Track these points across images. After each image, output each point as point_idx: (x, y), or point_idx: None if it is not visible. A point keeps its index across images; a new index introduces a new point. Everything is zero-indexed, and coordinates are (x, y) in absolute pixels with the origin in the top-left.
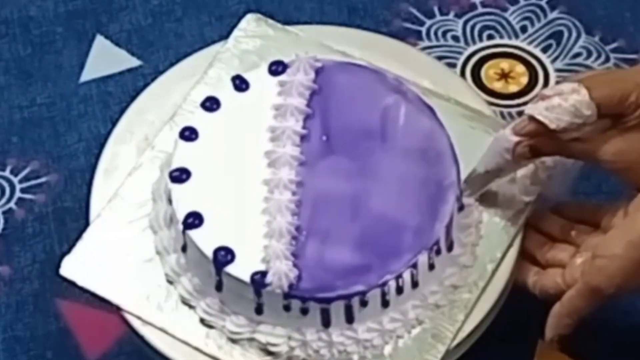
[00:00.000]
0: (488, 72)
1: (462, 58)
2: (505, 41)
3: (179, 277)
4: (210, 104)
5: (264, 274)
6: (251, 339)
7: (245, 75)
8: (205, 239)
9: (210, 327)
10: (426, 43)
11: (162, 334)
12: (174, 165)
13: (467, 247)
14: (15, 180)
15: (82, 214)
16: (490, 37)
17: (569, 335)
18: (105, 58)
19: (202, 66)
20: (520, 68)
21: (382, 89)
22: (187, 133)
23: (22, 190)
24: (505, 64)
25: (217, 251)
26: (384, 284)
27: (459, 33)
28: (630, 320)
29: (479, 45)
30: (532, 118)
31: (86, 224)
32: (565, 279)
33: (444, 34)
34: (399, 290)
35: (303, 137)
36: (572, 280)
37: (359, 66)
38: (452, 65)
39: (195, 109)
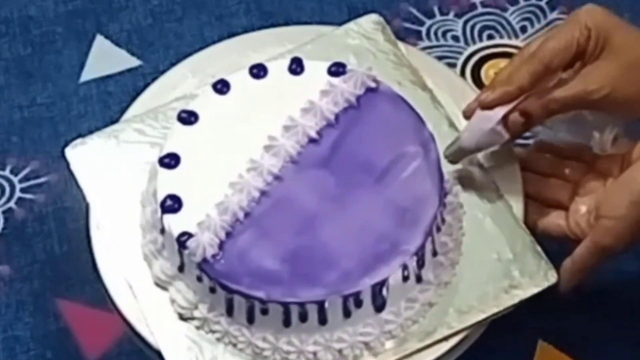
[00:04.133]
0: (488, 72)
1: (462, 58)
2: (505, 41)
3: (146, 206)
4: (258, 70)
5: (190, 237)
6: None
7: (305, 63)
8: (166, 182)
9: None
10: (426, 43)
11: (161, 334)
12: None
13: (401, 318)
14: (15, 180)
15: (82, 214)
16: (490, 37)
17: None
18: (105, 58)
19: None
20: None
21: (411, 135)
22: (219, 86)
23: (22, 190)
24: (505, 64)
25: (167, 197)
26: (286, 303)
27: (459, 33)
28: (631, 320)
29: (479, 45)
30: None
31: (86, 224)
32: (569, 224)
33: (444, 34)
34: (302, 317)
35: (312, 140)
36: (576, 227)
37: (408, 106)
38: (452, 65)
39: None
